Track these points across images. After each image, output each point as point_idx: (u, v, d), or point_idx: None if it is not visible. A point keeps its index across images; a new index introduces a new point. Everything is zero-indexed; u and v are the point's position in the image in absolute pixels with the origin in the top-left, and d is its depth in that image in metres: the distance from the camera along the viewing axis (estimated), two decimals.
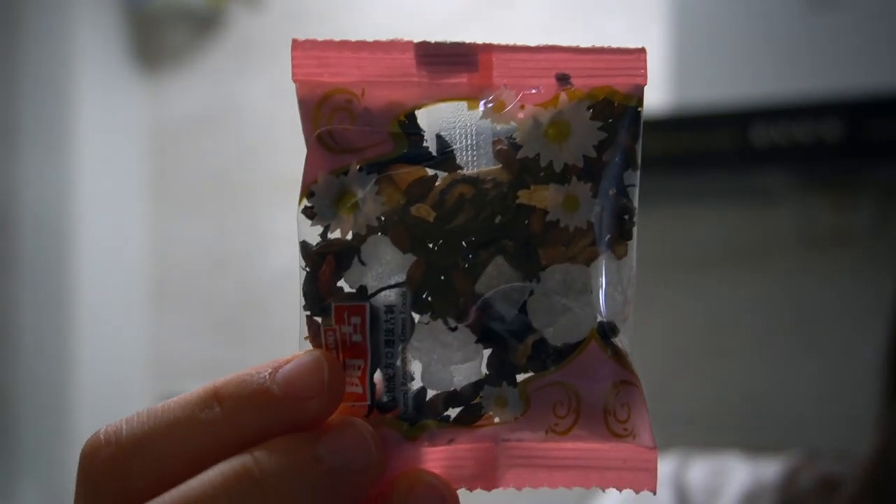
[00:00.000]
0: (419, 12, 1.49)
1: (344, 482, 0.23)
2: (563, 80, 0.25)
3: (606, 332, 0.26)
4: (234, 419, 0.23)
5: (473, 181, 0.25)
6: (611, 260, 0.26)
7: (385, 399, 0.26)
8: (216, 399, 0.23)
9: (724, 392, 1.14)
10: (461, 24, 1.45)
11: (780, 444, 0.73)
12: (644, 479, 0.26)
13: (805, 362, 1.21)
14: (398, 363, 0.26)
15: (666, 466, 0.70)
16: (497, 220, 0.25)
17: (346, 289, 0.26)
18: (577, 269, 0.26)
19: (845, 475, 0.64)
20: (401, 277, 0.25)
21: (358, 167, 0.25)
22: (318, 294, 0.26)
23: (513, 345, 0.25)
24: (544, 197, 0.25)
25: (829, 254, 1.26)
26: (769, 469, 0.68)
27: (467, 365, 0.25)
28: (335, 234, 0.26)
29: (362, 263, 0.25)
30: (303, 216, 0.26)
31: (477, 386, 0.26)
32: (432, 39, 0.26)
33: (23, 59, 1.57)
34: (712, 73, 1.15)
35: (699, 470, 0.69)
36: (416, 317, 0.26)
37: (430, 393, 0.26)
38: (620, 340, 0.26)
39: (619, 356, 0.26)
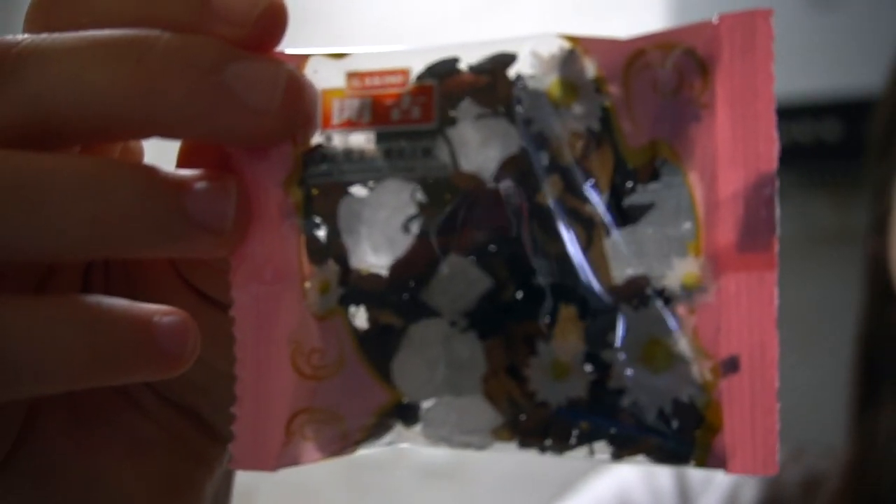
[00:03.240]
0: (419, 13, 1.49)
1: (227, 108, 0.21)
2: None
3: None
4: (165, 1, 0.21)
5: None
6: None
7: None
8: None
9: None
10: (460, 24, 1.45)
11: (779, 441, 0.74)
12: None
13: (804, 361, 1.21)
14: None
15: None
16: None
17: None
18: None
19: (829, 473, 0.65)
20: None
21: None
22: None
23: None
24: None
25: (829, 254, 1.26)
26: None
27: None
28: None
29: None
30: None
31: None
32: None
33: None
34: None
35: None
36: None
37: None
38: None
39: None
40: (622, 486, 0.70)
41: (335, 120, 0.22)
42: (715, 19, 0.21)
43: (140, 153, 0.26)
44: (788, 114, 1.17)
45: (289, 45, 0.23)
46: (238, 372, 0.22)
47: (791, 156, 1.19)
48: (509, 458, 1.53)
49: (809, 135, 1.20)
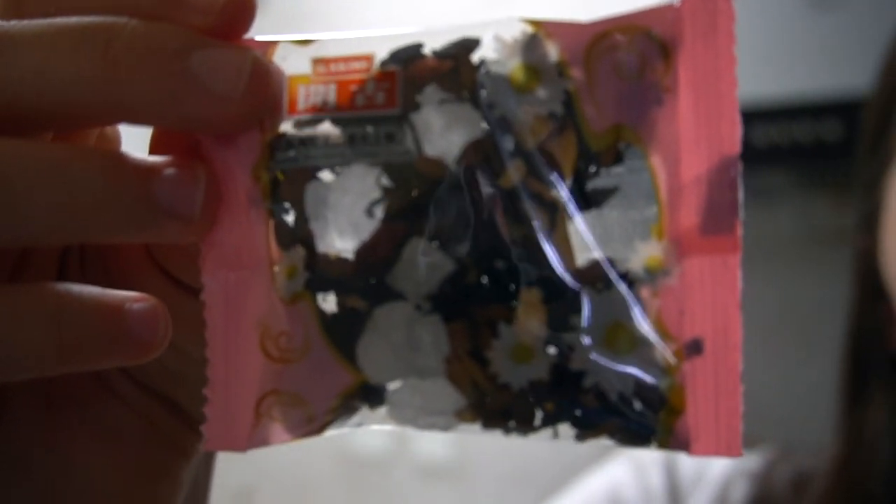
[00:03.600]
0: (418, 13, 1.49)
1: (192, 95, 0.21)
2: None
3: None
4: None
5: None
6: None
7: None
8: None
9: None
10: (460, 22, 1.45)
11: (776, 441, 0.74)
12: None
13: (803, 361, 1.21)
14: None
15: (658, 452, 0.72)
16: None
17: None
18: None
19: (818, 471, 0.65)
20: None
21: None
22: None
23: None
24: None
25: (828, 253, 1.26)
26: (748, 460, 0.70)
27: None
28: None
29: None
30: None
31: None
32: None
33: None
34: None
35: (688, 458, 0.71)
36: None
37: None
38: None
39: None
40: (613, 484, 0.70)
41: (301, 106, 0.22)
42: (677, 2, 0.21)
43: (117, 139, 0.26)
44: (788, 114, 1.17)
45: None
46: (209, 355, 0.22)
47: (791, 156, 1.19)
48: (509, 458, 1.53)
49: (809, 135, 1.20)
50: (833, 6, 1.17)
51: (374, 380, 0.22)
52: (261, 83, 0.21)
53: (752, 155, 1.17)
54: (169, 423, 0.28)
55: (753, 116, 1.16)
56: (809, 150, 1.21)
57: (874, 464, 0.60)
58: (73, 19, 0.21)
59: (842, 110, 1.18)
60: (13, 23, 0.21)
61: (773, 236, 1.24)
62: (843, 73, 1.17)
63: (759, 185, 1.23)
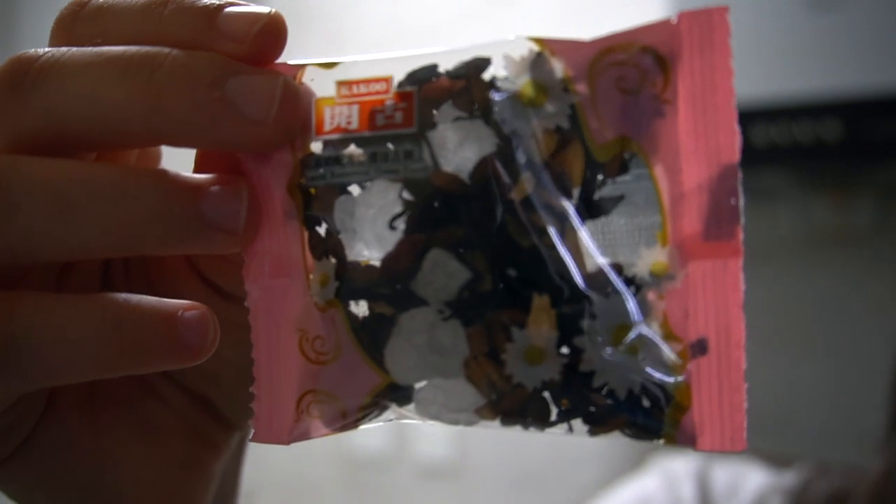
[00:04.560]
0: (419, 12, 1.50)
1: (229, 119, 0.22)
2: None
3: None
4: (174, 20, 0.23)
5: None
6: None
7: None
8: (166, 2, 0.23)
9: None
10: (461, 24, 1.46)
11: (777, 443, 0.74)
12: None
13: (804, 361, 1.22)
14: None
15: (691, 463, 0.72)
16: None
17: None
18: None
19: (853, 490, 0.65)
20: None
21: None
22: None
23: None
24: None
25: (829, 253, 1.27)
26: (784, 476, 0.70)
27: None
28: None
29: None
30: None
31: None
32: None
33: None
34: None
35: (722, 470, 0.71)
36: None
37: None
38: None
39: None
40: (644, 495, 0.70)
41: (327, 126, 0.23)
42: (674, 18, 0.22)
43: (158, 156, 0.28)
44: (788, 114, 1.18)
45: (291, 46, 0.25)
46: (255, 357, 0.24)
47: (791, 156, 1.20)
48: (509, 459, 1.54)
49: (809, 135, 1.21)
50: (832, 6, 1.18)
51: (400, 381, 0.23)
52: (291, 107, 0.23)
53: (752, 155, 1.18)
54: (202, 421, 0.29)
55: (753, 116, 1.17)
56: (809, 151, 1.21)
57: None
58: (120, 49, 0.22)
59: (842, 110, 1.19)
60: (63, 50, 0.23)
61: (773, 236, 1.24)
62: (843, 74, 1.18)
63: (758, 185, 1.24)
